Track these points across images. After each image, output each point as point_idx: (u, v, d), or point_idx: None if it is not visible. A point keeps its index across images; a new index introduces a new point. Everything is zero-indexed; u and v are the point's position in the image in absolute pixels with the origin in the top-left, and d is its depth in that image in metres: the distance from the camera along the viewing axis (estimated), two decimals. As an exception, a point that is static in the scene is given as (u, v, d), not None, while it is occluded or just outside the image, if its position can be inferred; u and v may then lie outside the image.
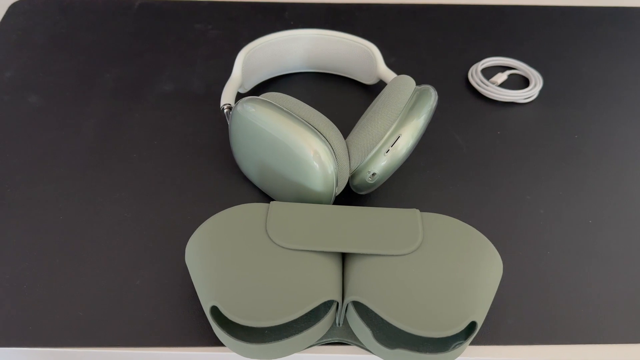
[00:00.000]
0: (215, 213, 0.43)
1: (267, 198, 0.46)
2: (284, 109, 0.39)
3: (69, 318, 0.38)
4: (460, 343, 0.34)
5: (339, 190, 0.41)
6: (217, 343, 0.37)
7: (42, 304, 0.39)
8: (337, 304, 0.35)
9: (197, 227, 0.43)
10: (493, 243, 0.43)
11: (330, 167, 0.38)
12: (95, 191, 0.46)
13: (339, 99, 0.55)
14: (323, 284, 0.34)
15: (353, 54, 0.53)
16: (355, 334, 0.36)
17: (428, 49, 0.61)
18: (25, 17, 0.64)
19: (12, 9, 0.65)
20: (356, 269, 0.35)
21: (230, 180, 0.47)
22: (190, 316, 0.38)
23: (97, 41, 0.61)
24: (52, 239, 0.43)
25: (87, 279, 0.40)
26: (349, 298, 0.34)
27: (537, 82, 0.56)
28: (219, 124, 0.52)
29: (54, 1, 0.66)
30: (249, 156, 0.43)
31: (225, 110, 0.44)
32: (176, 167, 0.48)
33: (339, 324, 0.36)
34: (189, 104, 0.54)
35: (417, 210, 0.38)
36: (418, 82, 0.56)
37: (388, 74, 0.50)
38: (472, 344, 0.38)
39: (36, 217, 0.44)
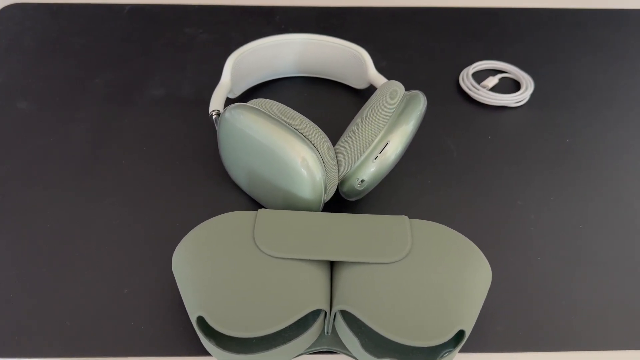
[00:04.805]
0: (203, 220, 0.42)
1: (256, 204, 0.45)
2: (272, 115, 0.39)
3: (56, 328, 0.38)
4: (449, 351, 0.34)
5: (327, 197, 0.40)
6: (205, 352, 0.37)
7: (28, 313, 0.38)
8: (325, 312, 0.34)
9: (185, 234, 0.43)
10: (483, 248, 0.43)
11: (318, 174, 0.38)
12: (84, 198, 0.46)
13: (330, 104, 0.55)
14: (311, 293, 0.34)
15: (343, 58, 0.53)
16: (344, 342, 0.36)
17: (419, 52, 0.61)
18: (15, 21, 0.64)
19: (1, 13, 0.65)
20: (344, 277, 0.35)
21: (219, 187, 0.47)
22: (178, 325, 0.38)
23: (88, 46, 0.61)
24: (40, 247, 0.42)
25: (74, 288, 0.40)
26: (336, 307, 0.34)
27: (528, 86, 0.56)
28: (208, 130, 0.51)
29: (44, 6, 0.66)
30: (238, 163, 0.43)
31: (213, 117, 0.44)
32: (165, 173, 0.48)
33: (327, 333, 0.36)
34: (179, 109, 0.54)
35: (406, 217, 0.38)
36: (409, 86, 0.57)
37: (378, 79, 0.50)
38: (461, 351, 0.37)
39: (23, 225, 0.44)
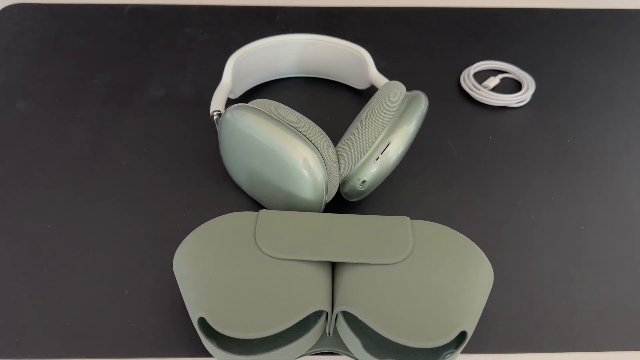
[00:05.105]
0: (204, 220, 0.42)
1: (257, 205, 0.45)
2: (273, 116, 0.39)
3: (57, 329, 0.38)
4: (451, 352, 0.34)
5: (329, 197, 0.40)
6: (206, 354, 0.37)
7: (28, 313, 0.38)
8: (327, 313, 0.34)
9: (186, 235, 0.43)
10: (484, 249, 0.43)
11: (319, 174, 0.38)
12: (84, 198, 0.46)
13: (331, 104, 0.55)
14: (312, 294, 0.34)
15: (344, 58, 0.53)
16: (345, 343, 0.36)
17: (420, 52, 0.61)
18: (14, 21, 0.64)
19: (1, 13, 0.64)
20: (346, 278, 0.35)
21: (220, 187, 0.47)
22: (179, 326, 0.38)
23: (87, 46, 0.60)
24: (40, 247, 0.42)
25: (74, 288, 0.40)
26: (338, 308, 0.34)
27: (529, 86, 0.56)
28: (209, 130, 0.51)
29: (44, 6, 0.66)
30: (239, 163, 0.43)
31: (214, 117, 0.44)
32: (166, 174, 0.48)
33: (329, 334, 0.36)
34: (179, 110, 0.53)
35: (407, 218, 0.38)
36: (410, 87, 0.57)
37: (379, 79, 0.50)
38: (463, 352, 0.37)
39: (23, 225, 0.44)
